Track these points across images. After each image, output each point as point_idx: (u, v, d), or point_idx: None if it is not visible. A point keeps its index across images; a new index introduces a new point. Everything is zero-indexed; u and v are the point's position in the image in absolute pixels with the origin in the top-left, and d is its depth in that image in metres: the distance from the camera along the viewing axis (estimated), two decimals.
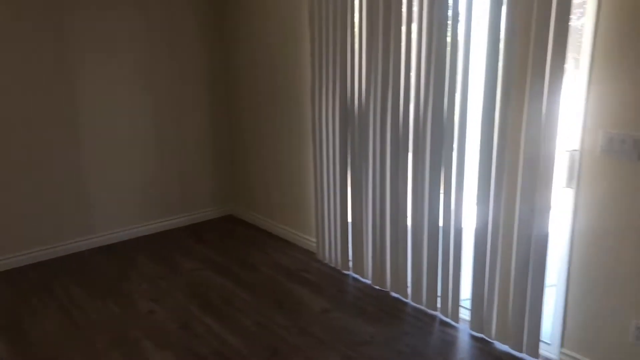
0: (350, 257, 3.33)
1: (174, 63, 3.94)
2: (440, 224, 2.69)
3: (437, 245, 2.73)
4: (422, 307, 2.86)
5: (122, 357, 2.41)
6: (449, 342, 2.54)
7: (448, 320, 2.73)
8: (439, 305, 2.79)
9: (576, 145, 2.13)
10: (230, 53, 4.14)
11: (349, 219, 3.27)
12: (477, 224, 2.48)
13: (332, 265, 3.42)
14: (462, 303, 2.72)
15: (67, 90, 3.46)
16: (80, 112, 3.55)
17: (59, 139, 3.49)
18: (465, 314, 2.72)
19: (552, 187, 2.18)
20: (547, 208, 2.20)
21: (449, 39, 2.47)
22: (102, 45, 3.56)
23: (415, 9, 2.56)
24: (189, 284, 3.18)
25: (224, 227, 4.23)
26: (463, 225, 2.61)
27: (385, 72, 2.79)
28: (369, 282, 3.18)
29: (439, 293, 2.78)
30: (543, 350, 2.40)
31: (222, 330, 2.64)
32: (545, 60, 2.09)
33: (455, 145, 2.56)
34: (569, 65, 2.12)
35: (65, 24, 3.37)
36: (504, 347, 2.48)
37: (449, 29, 2.45)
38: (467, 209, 2.59)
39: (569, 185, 2.19)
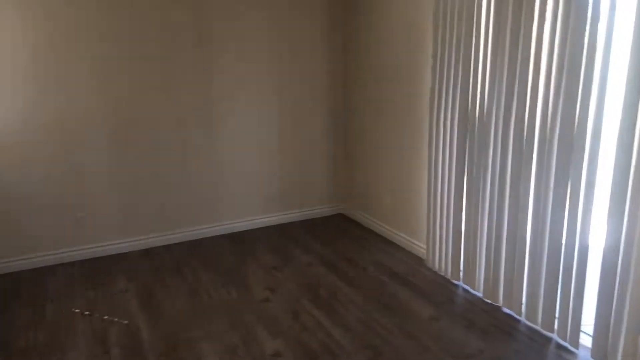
0: (461, 267, 3.24)
1: (297, 69, 4.15)
2: (564, 239, 2.52)
3: (559, 261, 2.56)
4: (537, 327, 2.70)
5: (239, 340, 2.63)
6: None
7: (566, 344, 2.54)
8: (556, 327, 2.61)
9: None
10: (350, 57, 4.25)
11: (463, 228, 3.19)
12: (607, 241, 2.28)
13: (442, 273, 3.37)
14: (583, 328, 2.52)
15: (206, 91, 3.83)
16: (216, 112, 3.91)
17: (199, 135, 3.88)
18: (586, 340, 2.51)
19: None
20: None
21: (585, 40, 2.29)
22: (236, 52, 3.88)
23: (549, 7, 2.42)
24: (300, 276, 3.35)
25: (335, 224, 4.37)
26: (590, 242, 2.41)
27: (511, 76, 2.67)
28: (479, 294, 3.07)
29: (557, 314, 2.61)
30: None
31: (329, 325, 2.75)
32: None
33: (586, 155, 2.37)
34: None
35: (205, 34, 3.74)
36: None
37: (587, 28, 2.27)
38: (595, 225, 2.39)
39: None
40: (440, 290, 3.15)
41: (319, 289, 3.17)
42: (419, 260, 3.60)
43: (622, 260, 2.22)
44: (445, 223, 3.29)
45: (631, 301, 2.21)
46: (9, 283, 3.29)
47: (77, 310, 2.94)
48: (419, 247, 3.67)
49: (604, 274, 2.31)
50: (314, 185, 4.50)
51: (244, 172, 4.14)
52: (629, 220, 2.17)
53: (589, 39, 2.26)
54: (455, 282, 3.26)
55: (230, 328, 2.74)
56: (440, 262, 3.38)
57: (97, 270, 3.46)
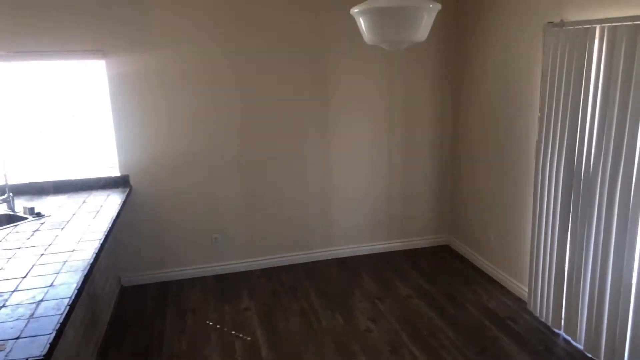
0: (562, 315, 3.27)
1: (408, 107, 4.41)
2: None
3: None
4: None
5: None
6: None
7: None
8: None
9: None
10: (460, 105, 4.39)
11: (565, 274, 3.22)
12: None
13: (542, 319, 3.41)
14: None
15: (323, 131, 4.26)
16: (331, 148, 4.32)
17: (316, 170, 4.33)
18: None
19: None
20: None
21: None
22: (352, 96, 4.25)
23: None
24: (401, 309, 3.62)
25: (438, 256, 4.54)
26: None
27: (620, 131, 2.67)
28: (580, 347, 3.09)
29: None
30: None
31: None
32: None
33: None
34: None
35: (325, 80, 4.16)
36: None
37: None
38: None
39: None
40: (539, 338, 3.21)
41: (418, 325, 3.41)
42: (520, 303, 3.66)
43: None
44: (548, 268, 3.33)
45: None
46: (159, 291, 4.00)
47: (210, 323, 3.52)
48: (521, 288, 3.72)
49: None
50: (420, 215, 4.72)
51: (353, 201, 4.50)
52: None
53: None
54: (556, 330, 3.29)
55: (336, 353, 3.10)
56: (542, 307, 3.42)
57: (226, 286, 4.06)
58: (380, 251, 4.67)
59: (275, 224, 4.36)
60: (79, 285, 2.18)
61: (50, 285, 2.19)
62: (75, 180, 3.81)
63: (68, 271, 2.33)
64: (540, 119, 3.26)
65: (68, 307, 1.99)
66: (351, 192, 4.48)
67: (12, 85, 3.70)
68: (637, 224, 2.65)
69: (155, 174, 3.99)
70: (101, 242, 2.70)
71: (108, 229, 2.92)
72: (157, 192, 4.04)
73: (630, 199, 2.66)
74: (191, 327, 3.47)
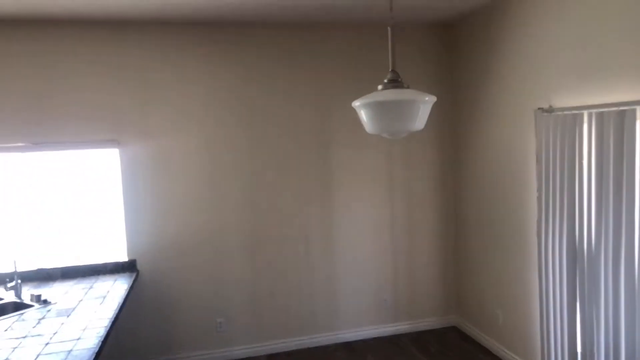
0: None
1: (410, 189, 4.53)
2: None
3: None
4: None
5: None
6: None
7: None
8: None
9: None
10: (459, 180, 4.52)
11: (579, 354, 3.13)
12: None
13: None
14: None
15: (327, 213, 4.35)
16: (334, 226, 4.38)
17: (319, 252, 4.36)
18: None
19: None
20: None
21: None
22: (352, 173, 4.39)
23: None
24: None
25: (446, 338, 4.43)
26: None
27: (618, 210, 2.73)
28: None
29: None
30: None
31: None
32: None
33: None
34: None
35: (325, 161, 4.33)
36: None
37: None
38: None
39: None
40: None
41: None
42: None
43: None
44: (561, 350, 3.25)
45: None
46: None
47: None
48: None
49: None
50: (426, 296, 4.67)
51: (358, 282, 4.48)
52: None
53: None
54: None
55: None
56: None
57: None
58: (386, 334, 4.56)
59: (280, 307, 4.31)
60: None
61: None
62: (82, 266, 3.85)
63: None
64: (539, 199, 3.35)
65: None
66: (356, 273, 4.47)
67: (25, 172, 3.85)
68: None
69: (161, 258, 4.03)
70: (107, 329, 2.69)
71: (114, 315, 2.91)
72: (163, 276, 4.05)
73: (635, 278, 2.67)
74: None
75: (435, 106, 2.17)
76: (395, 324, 4.59)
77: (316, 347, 4.36)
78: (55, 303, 3.19)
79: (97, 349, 2.43)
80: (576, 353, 3.15)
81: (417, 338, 4.47)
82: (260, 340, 4.28)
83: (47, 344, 2.53)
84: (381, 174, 4.47)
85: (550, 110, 3.19)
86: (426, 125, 2.21)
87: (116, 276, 3.79)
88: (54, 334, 2.66)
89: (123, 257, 3.97)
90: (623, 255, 2.74)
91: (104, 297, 3.26)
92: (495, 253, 4.05)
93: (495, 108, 3.94)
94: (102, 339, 2.56)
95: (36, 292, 3.35)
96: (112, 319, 2.85)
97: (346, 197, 4.40)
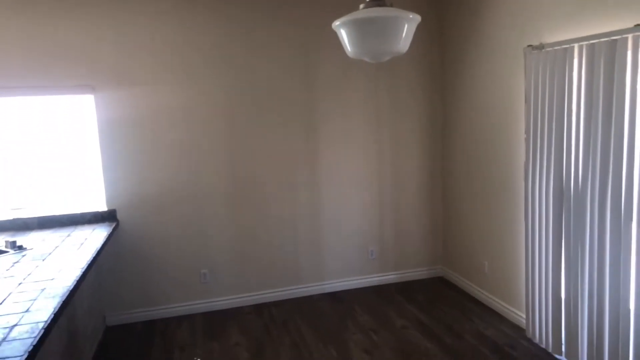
0: (562, 340, 3.16)
1: (396, 139, 4.44)
2: None
3: None
4: None
5: None
6: None
7: None
8: None
9: None
10: (447, 131, 4.44)
11: (562, 298, 3.14)
12: None
13: (542, 345, 3.29)
14: None
15: (313, 160, 4.26)
16: (320, 179, 4.30)
17: (306, 201, 4.29)
18: None
19: None
20: None
21: None
22: (339, 127, 4.28)
23: None
24: (397, 341, 3.49)
25: (433, 288, 4.44)
26: None
27: (605, 148, 2.68)
28: None
29: None
30: None
31: None
32: None
33: None
34: None
35: (314, 113, 4.21)
36: None
37: None
38: None
39: None
40: None
41: (415, 356, 3.28)
42: (518, 331, 3.55)
43: None
44: (545, 292, 3.25)
45: None
46: (145, 330, 3.85)
47: (198, 359, 3.37)
48: (519, 315, 3.62)
49: None
50: (413, 248, 4.65)
51: (344, 235, 4.43)
52: None
53: None
54: (557, 356, 3.17)
55: None
56: (541, 333, 3.31)
57: (215, 323, 3.91)
58: (373, 284, 4.56)
59: (264, 258, 4.27)
60: (56, 310, 2.08)
61: (26, 311, 2.09)
62: (60, 215, 3.74)
63: (46, 298, 2.24)
64: (527, 140, 3.29)
65: (43, 331, 1.89)
66: (342, 224, 4.42)
67: None
68: (631, 241, 2.61)
69: (142, 208, 3.93)
70: (83, 270, 2.61)
71: (92, 258, 2.84)
72: (144, 226, 3.96)
73: (622, 216, 2.64)
74: None
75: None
76: (382, 275, 4.59)
77: (302, 297, 4.34)
78: (31, 249, 3.10)
79: (72, 287, 2.35)
80: (560, 299, 3.15)
81: (403, 288, 4.47)
82: (246, 291, 4.25)
83: (20, 284, 2.45)
84: (368, 124, 4.37)
85: (541, 47, 3.09)
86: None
87: (95, 226, 3.70)
88: (28, 275, 2.58)
89: (102, 207, 3.87)
90: (609, 193, 2.70)
91: (82, 244, 3.17)
92: (483, 202, 4.01)
93: (484, 48, 3.82)
94: (78, 278, 2.48)
95: (11, 239, 3.25)
96: (90, 261, 2.77)
97: (332, 148, 4.30)
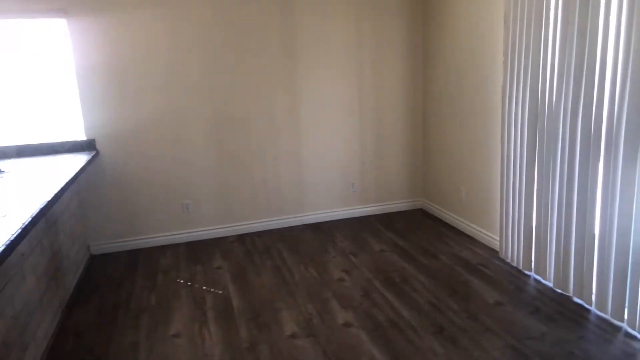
0: (532, 258, 3.29)
1: (378, 70, 4.42)
2: (632, 231, 2.52)
3: (628, 253, 2.56)
4: (607, 317, 2.71)
5: (315, 310, 2.95)
6: (631, 354, 2.39)
7: (635, 333, 2.54)
8: (626, 316, 2.61)
9: None
10: (428, 57, 4.42)
11: (534, 221, 3.24)
12: None
13: (514, 264, 3.43)
14: None
15: (293, 92, 4.24)
16: (303, 111, 4.30)
17: (288, 134, 4.29)
18: None
19: None
20: None
21: None
22: (320, 54, 4.24)
23: (614, 3, 2.46)
24: (375, 262, 3.60)
25: (412, 218, 4.55)
26: None
27: (579, 71, 2.72)
28: (550, 284, 3.12)
29: (627, 304, 2.60)
30: None
31: (398, 304, 2.98)
32: None
33: None
34: None
35: (292, 40, 4.15)
36: None
37: None
38: None
39: None
40: (510, 280, 3.23)
41: (391, 274, 3.40)
42: (492, 252, 3.68)
43: None
44: (517, 216, 3.36)
45: None
46: (129, 259, 3.92)
47: (181, 281, 3.46)
48: (493, 239, 3.75)
49: None
50: (394, 180, 4.72)
51: (324, 169, 4.48)
52: None
53: None
54: (527, 272, 3.31)
55: (308, 301, 3.07)
56: (513, 253, 3.44)
57: (198, 251, 3.99)
58: (354, 216, 4.65)
59: (247, 190, 4.31)
60: (35, 215, 2.11)
61: (2, 216, 2.11)
62: (38, 144, 3.72)
63: (24, 205, 2.26)
64: (505, 63, 3.30)
65: (20, 230, 1.92)
66: (323, 157, 4.46)
67: None
68: (598, 166, 2.68)
69: (122, 139, 3.91)
70: (62, 186, 2.62)
71: (73, 176, 2.85)
72: (125, 157, 3.96)
73: (591, 137, 2.70)
74: (161, 285, 3.40)
75: None
76: (363, 207, 4.68)
77: (284, 228, 4.43)
78: (8, 172, 3.09)
79: (51, 197, 2.37)
80: (532, 222, 3.25)
81: (383, 218, 4.57)
82: (229, 222, 4.32)
83: None
84: (349, 57, 4.32)
85: None
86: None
87: (75, 154, 3.68)
88: (5, 189, 2.59)
89: (81, 137, 3.85)
90: (581, 109, 2.75)
91: (61, 168, 3.17)
92: (462, 130, 4.05)
93: None
94: (58, 191, 2.50)
95: None
96: (71, 178, 2.78)
97: (314, 81, 4.27)
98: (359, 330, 2.72)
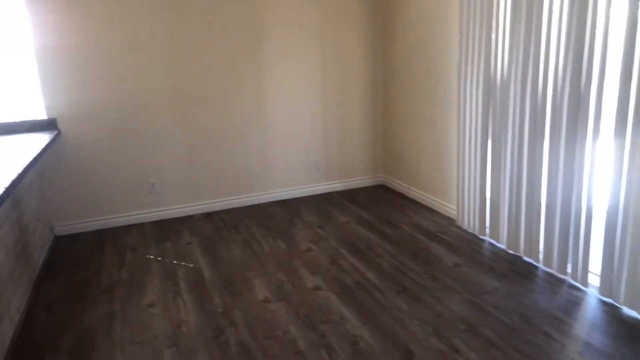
0: (487, 224, 3.53)
1: (340, 49, 4.53)
2: (573, 198, 2.77)
3: (570, 216, 2.81)
4: (552, 271, 2.97)
5: (285, 278, 3.07)
6: (573, 302, 2.65)
7: (577, 284, 2.81)
8: (569, 270, 2.88)
9: None
10: (388, 36, 4.58)
11: (488, 189, 3.48)
12: (610, 196, 2.53)
13: (470, 230, 3.67)
14: (591, 270, 2.77)
15: (257, 74, 4.30)
16: (266, 91, 4.37)
17: (253, 114, 4.36)
18: (594, 280, 2.76)
19: None
20: None
21: (589, 16, 2.53)
22: (283, 36, 4.31)
23: None
24: (341, 233, 3.76)
25: (375, 193, 4.74)
26: (595, 198, 2.66)
27: (527, 49, 2.93)
28: (503, 246, 3.36)
29: (570, 259, 2.87)
30: None
31: (363, 268, 3.15)
32: None
33: (591, 121, 2.61)
34: None
35: (257, 23, 4.20)
36: (632, 313, 2.50)
37: (590, 12, 2.51)
38: (600, 183, 2.63)
39: None
40: (467, 244, 3.46)
41: (356, 243, 3.57)
42: (450, 221, 3.91)
43: (623, 211, 2.47)
44: (473, 187, 3.58)
45: (631, 246, 2.45)
46: (94, 238, 3.91)
47: (151, 257, 3.50)
48: (451, 209, 3.98)
49: (609, 225, 2.56)
50: (357, 158, 4.88)
51: (290, 147, 4.58)
52: (627, 180, 2.42)
53: (592, 14, 2.50)
54: (482, 237, 3.55)
55: (278, 269, 3.20)
56: (469, 220, 3.68)
57: (166, 229, 4.03)
58: (319, 192, 4.79)
59: (215, 168, 4.36)
60: (7, 186, 2.12)
61: None
62: None
63: None
64: (460, 41, 3.49)
65: None
66: (289, 136, 4.56)
67: None
68: (544, 138, 2.92)
69: (86, 118, 3.87)
70: (25, 166, 2.61)
71: (37, 154, 2.83)
72: (89, 137, 3.93)
73: (537, 116, 2.93)
74: (131, 261, 3.44)
75: None
76: (327, 183, 4.82)
77: (252, 205, 4.52)
78: None
79: (15, 177, 2.37)
80: (486, 191, 3.48)
81: (348, 194, 4.74)
82: (197, 200, 4.37)
83: None
84: (312, 36, 4.42)
85: None
86: None
87: (35, 134, 3.63)
88: None
89: (42, 116, 3.78)
90: (529, 89, 2.97)
91: (21, 149, 3.13)
92: (421, 106, 4.24)
93: None
94: (21, 172, 2.49)
95: None
96: (34, 158, 2.76)
97: (277, 60, 4.34)
98: (328, 292, 2.87)
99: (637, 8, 2.27)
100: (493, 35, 3.20)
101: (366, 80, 4.73)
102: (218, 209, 4.44)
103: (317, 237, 3.71)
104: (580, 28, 2.58)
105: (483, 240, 3.51)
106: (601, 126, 2.58)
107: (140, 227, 4.10)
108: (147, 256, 3.51)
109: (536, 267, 3.06)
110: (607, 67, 2.48)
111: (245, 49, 4.23)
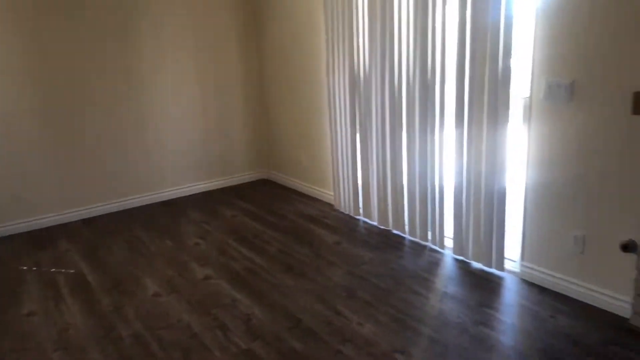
0: (360, 205, 3.91)
1: (217, 50, 4.64)
2: (428, 177, 3.23)
3: (427, 193, 3.27)
4: (416, 239, 3.42)
5: (175, 272, 3.12)
6: (433, 262, 3.09)
7: (436, 247, 3.28)
8: (429, 237, 3.34)
9: (527, 92, 2.62)
10: (261, 45, 4.79)
11: (359, 175, 3.85)
12: (455, 176, 3.01)
13: (347, 212, 4.02)
14: (446, 234, 3.26)
15: (134, 70, 4.23)
16: (143, 95, 4.31)
17: (129, 113, 4.27)
18: (449, 243, 3.25)
19: (509, 128, 2.68)
20: (503, 143, 2.70)
21: (429, 18, 2.99)
22: (158, 37, 4.30)
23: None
24: (227, 226, 3.88)
25: (259, 187, 4.92)
26: (445, 177, 3.14)
27: (383, 47, 3.33)
28: (375, 223, 3.76)
29: (429, 228, 3.33)
30: (508, 265, 2.91)
31: (251, 255, 3.31)
32: (498, 44, 2.58)
33: (437, 114, 3.07)
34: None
35: (129, 22, 4.14)
36: (478, 265, 3.00)
37: (430, 17, 2.96)
38: (449, 162, 3.11)
39: (523, 124, 2.68)
40: (345, 224, 3.80)
41: (243, 233, 3.72)
42: (329, 206, 4.24)
43: (466, 187, 2.95)
44: (346, 172, 3.94)
45: (474, 211, 2.95)
46: None
47: (24, 268, 3.30)
48: (330, 195, 4.31)
49: (456, 198, 3.04)
50: (239, 155, 5.02)
51: (171, 149, 4.57)
52: (467, 162, 2.90)
53: (431, 23, 2.95)
54: (357, 217, 3.92)
55: (167, 266, 3.23)
56: (345, 203, 4.03)
57: (40, 238, 3.80)
58: (202, 190, 4.84)
59: (92, 174, 4.19)
60: None
61: None
62: None
63: None
64: (327, 41, 3.82)
65: None
66: (170, 136, 4.54)
67: None
68: (402, 127, 3.34)
69: None
70: None
71: None
72: None
73: (395, 99, 3.35)
74: (0, 274, 3.21)
75: None
76: (211, 181, 4.88)
77: (133, 208, 4.43)
78: None
79: None
80: (357, 176, 3.85)
81: (232, 190, 4.85)
82: (73, 206, 4.16)
83: None
84: (186, 36, 4.46)
85: None
86: None
87: None
88: None
89: None
90: (387, 83, 3.37)
91: None
92: (296, 101, 4.52)
93: None
94: None
95: None
96: None
97: (151, 60, 4.31)
98: (219, 280, 2.99)
99: (466, 10, 2.75)
100: (355, 36, 3.57)
101: (245, 82, 4.89)
102: (97, 214, 4.28)
103: (204, 232, 3.79)
104: (424, 29, 3.02)
105: (358, 220, 3.88)
106: (446, 118, 3.05)
107: (9, 239, 3.81)
108: (20, 267, 3.30)
109: (403, 238, 3.48)
110: (446, 67, 2.95)
111: (117, 54, 4.14)
